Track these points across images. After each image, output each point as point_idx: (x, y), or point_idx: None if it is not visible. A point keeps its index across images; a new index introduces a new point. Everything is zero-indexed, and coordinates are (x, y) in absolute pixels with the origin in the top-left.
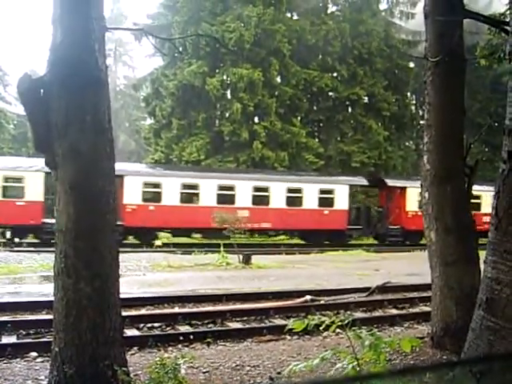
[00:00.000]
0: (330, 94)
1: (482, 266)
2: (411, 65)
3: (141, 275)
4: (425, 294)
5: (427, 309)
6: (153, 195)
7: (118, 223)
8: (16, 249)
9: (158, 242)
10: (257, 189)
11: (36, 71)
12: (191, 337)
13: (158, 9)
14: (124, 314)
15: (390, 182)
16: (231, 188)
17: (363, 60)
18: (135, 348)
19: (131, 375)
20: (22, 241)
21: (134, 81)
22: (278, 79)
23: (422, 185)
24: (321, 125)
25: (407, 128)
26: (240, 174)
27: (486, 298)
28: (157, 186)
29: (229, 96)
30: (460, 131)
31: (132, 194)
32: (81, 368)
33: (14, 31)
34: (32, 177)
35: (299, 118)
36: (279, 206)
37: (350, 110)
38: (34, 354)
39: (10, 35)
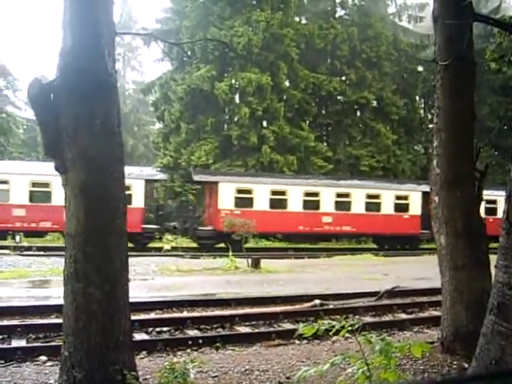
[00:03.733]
0: (339, 97)
1: (492, 271)
2: (420, 68)
3: (150, 279)
4: (434, 299)
5: (437, 313)
6: None
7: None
8: (26, 253)
9: (167, 246)
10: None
11: (46, 76)
12: (200, 341)
13: (167, 13)
14: (133, 318)
15: None
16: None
17: (372, 64)
18: (144, 352)
19: (140, 379)
20: (32, 245)
21: (142, 85)
22: (287, 83)
23: (431, 189)
24: (329, 129)
25: (416, 132)
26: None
27: (497, 303)
28: None
29: (237, 100)
30: (470, 135)
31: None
32: (90, 372)
33: (24, 36)
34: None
35: (308, 122)
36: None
37: (358, 113)
38: (44, 357)
39: (19, 40)
